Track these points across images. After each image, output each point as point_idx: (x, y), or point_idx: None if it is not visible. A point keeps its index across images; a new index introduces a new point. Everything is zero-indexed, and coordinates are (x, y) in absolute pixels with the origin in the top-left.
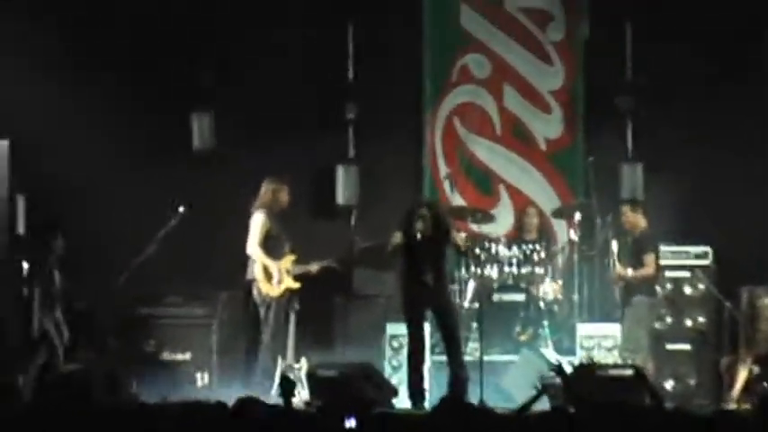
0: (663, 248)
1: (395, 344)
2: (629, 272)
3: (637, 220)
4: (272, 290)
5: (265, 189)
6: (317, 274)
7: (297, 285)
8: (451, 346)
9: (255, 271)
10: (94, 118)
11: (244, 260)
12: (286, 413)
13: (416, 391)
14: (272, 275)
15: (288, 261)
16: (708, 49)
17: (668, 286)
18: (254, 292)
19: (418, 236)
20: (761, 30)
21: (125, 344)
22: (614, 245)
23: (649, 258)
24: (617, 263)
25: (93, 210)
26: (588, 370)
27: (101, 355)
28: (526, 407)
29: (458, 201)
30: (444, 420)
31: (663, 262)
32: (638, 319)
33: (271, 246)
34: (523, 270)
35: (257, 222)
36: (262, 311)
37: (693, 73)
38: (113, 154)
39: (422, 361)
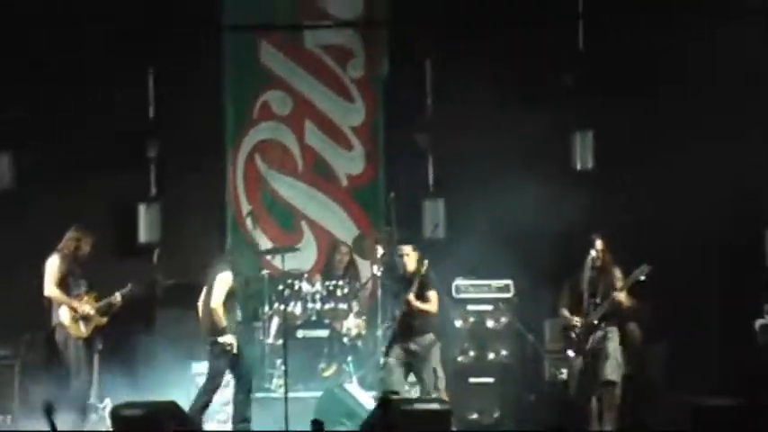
0: (465, 282)
1: (200, 382)
2: (418, 303)
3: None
4: (80, 332)
5: (69, 237)
6: (121, 305)
7: (104, 320)
8: None
9: (61, 315)
10: None
11: (44, 303)
12: None
13: None
14: (77, 317)
15: (90, 299)
16: (508, 84)
17: (471, 319)
18: (58, 336)
19: None
20: (557, 61)
21: None
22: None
23: (432, 294)
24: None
25: None
26: (392, 404)
27: None
28: None
29: (260, 237)
30: None
31: (465, 296)
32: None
33: (69, 286)
34: (327, 306)
35: (52, 265)
36: (68, 354)
37: (494, 109)
38: None
39: None
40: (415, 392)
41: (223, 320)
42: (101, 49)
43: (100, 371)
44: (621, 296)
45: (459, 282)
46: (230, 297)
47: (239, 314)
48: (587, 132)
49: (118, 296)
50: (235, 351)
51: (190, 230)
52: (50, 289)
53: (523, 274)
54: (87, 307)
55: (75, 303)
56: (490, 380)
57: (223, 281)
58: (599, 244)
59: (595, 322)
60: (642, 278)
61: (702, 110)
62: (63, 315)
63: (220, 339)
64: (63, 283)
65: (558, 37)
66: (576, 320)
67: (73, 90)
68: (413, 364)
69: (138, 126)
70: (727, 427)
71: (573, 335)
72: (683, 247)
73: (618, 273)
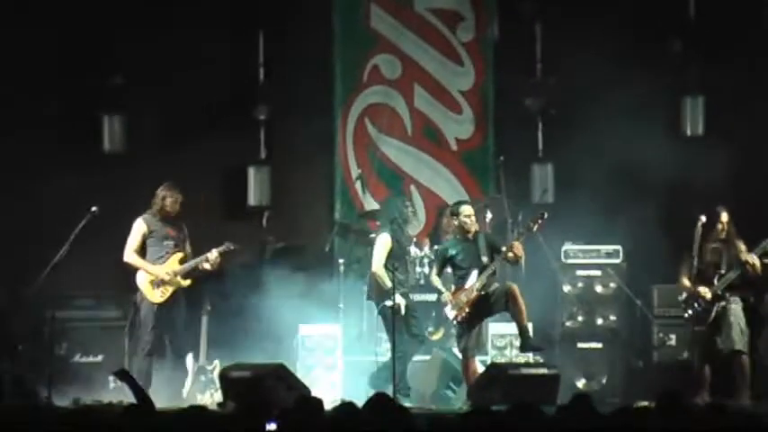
0: (573, 247)
1: (308, 344)
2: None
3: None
4: (155, 297)
5: (156, 194)
6: (219, 263)
7: (186, 283)
8: None
9: (138, 279)
10: (5, 119)
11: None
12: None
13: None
14: (154, 281)
15: (173, 262)
16: (617, 50)
17: (579, 284)
18: (137, 298)
19: None
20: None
21: (36, 348)
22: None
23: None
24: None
25: (3, 212)
26: (500, 369)
27: (11, 360)
28: None
29: (369, 201)
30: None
31: (573, 261)
32: None
33: (152, 250)
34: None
35: (134, 228)
36: (139, 317)
37: (603, 74)
38: (25, 155)
39: None
40: None
41: (387, 282)
42: (211, 11)
43: (208, 331)
44: (754, 259)
45: (567, 246)
46: (390, 259)
47: (403, 276)
48: (698, 97)
49: (214, 254)
50: (402, 312)
51: (299, 193)
52: (127, 254)
53: (632, 239)
54: (163, 272)
55: (151, 267)
56: (598, 345)
57: (382, 244)
58: (724, 216)
59: (719, 293)
60: None
61: None
62: (140, 279)
63: (387, 302)
64: (144, 245)
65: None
66: (703, 290)
67: (184, 53)
68: None
69: (248, 89)
70: None
71: (696, 305)
72: None
73: (742, 245)
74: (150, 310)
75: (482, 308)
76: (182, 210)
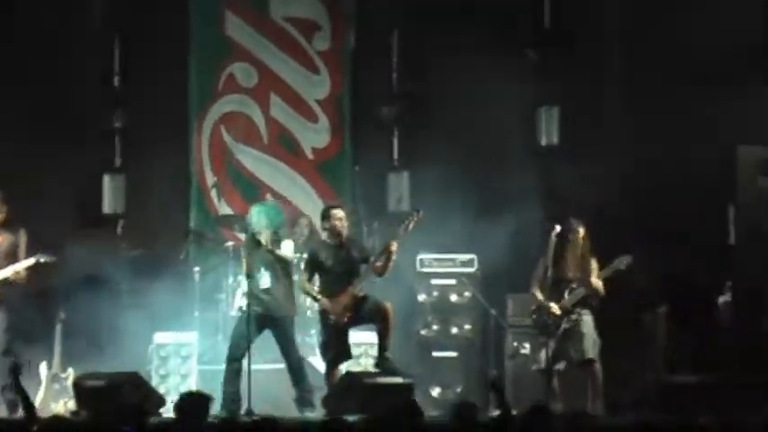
0: (428, 256)
1: (162, 353)
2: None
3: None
4: None
5: None
6: (26, 276)
7: None
8: None
9: None
10: None
11: None
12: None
13: None
14: None
15: None
16: (474, 60)
17: (434, 293)
18: None
19: None
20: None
21: None
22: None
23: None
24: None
25: None
26: (356, 378)
27: None
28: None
29: (225, 209)
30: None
31: (428, 269)
32: None
33: None
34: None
35: None
36: None
37: (460, 84)
38: None
39: None
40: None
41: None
42: (66, 13)
43: (62, 340)
44: (598, 285)
45: (422, 255)
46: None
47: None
48: (553, 108)
49: (21, 265)
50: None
51: (155, 201)
52: None
53: (486, 248)
54: None
55: None
56: (454, 354)
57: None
58: (580, 230)
59: (569, 307)
60: (622, 268)
61: None
62: None
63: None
64: None
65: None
66: (552, 306)
67: (41, 58)
68: None
69: (104, 95)
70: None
71: (545, 317)
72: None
73: (594, 263)
74: None
75: (355, 315)
76: (11, 218)
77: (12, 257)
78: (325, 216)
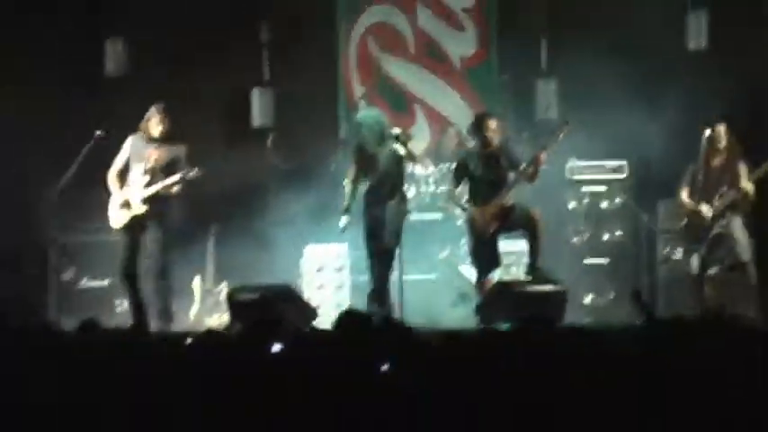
0: (578, 163)
1: (315, 265)
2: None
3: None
4: (114, 221)
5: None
6: (178, 187)
7: (141, 211)
8: None
9: (111, 201)
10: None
11: None
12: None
13: None
14: (120, 205)
15: (135, 187)
16: None
17: (585, 201)
18: None
19: None
20: None
21: (44, 272)
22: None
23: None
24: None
25: (7, 141)
26: (507, 287)
27: (19, 283)
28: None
29: None
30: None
31: (578, 177)
32: None
33: (133, 171)
34: (440, 189)
35: (121, 149)
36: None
37: None
38: (25, 83)
39: None
40: None
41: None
42: None
43: (215, 254)
44: (750, 186)
45: (572, 163)
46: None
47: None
48: (701, 11)
49: (169, 181)
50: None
51: (303, 114)
52: (109, 174)
53: (635, 154)
54: (128, 198)
55: (115, 193)
56: (605, 261)
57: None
58: (721, 129)
59: (720, 211)
60: None
61: None
62: (112, 201)
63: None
64: (126, 168)
65: None
66: (704, 210)
67: None
68: None
69: (250, 9)
70: None
71: (696, 222)
72: None
73: (743, 166)
74: (126, 233)
75: (504, 224)
76: (172, 132)
77: (172, 172)
78: (479, 125)
